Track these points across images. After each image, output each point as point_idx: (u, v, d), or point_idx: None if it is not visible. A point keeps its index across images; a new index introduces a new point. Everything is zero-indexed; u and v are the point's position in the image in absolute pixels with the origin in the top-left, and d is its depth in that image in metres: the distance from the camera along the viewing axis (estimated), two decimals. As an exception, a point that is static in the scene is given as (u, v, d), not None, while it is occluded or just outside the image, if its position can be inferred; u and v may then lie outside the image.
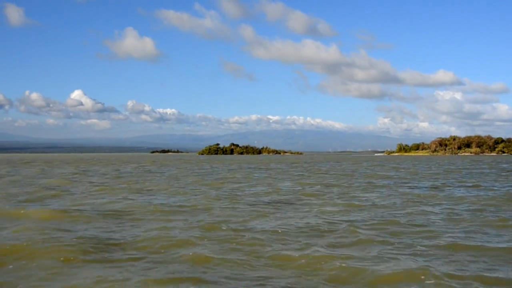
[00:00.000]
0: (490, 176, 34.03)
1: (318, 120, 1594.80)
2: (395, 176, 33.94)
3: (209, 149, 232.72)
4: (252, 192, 21.37)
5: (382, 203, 16.62)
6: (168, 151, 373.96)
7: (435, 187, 23.89)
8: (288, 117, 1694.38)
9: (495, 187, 23.95)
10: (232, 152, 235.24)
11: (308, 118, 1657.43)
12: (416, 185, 25.52)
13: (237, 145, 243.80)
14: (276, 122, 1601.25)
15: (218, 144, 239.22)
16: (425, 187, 23.88)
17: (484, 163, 69.41)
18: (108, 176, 35.53)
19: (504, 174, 36.43)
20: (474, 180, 28.82)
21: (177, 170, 45.84)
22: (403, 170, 45.67)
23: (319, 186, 24.54)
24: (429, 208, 15.04)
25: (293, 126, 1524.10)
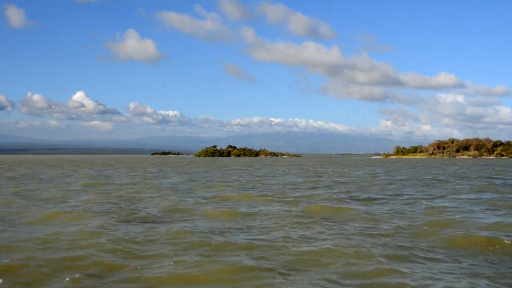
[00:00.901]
0: (416, 186, 32.39)
1: (320, 123, 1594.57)
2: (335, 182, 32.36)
3: (206, 151, 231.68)
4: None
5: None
6: (168, 153, 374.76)
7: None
8: (290, 119, 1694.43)
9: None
10: (229, 154, 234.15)
11: (310, 120, 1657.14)
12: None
13: (235, 147, 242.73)
14: (278, 124, 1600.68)
15: (215, 146, 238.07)
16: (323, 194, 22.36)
17: (459, 166, 67.69)
18: None
19: (433, 182, 31.32)
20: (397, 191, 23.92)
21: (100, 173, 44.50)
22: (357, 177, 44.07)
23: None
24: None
25: (295, 129, 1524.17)
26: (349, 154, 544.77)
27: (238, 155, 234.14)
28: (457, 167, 60.46)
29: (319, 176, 36.96)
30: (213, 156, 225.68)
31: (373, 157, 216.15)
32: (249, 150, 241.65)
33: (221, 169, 54.31)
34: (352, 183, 28.53)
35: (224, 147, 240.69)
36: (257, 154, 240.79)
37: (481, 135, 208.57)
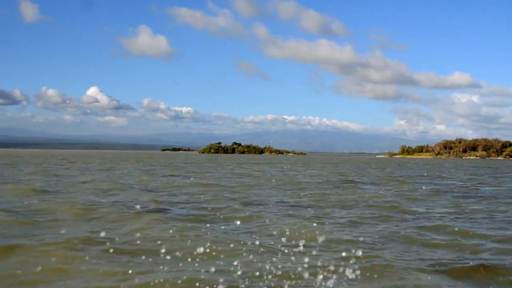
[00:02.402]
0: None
1: (334, 121, 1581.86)
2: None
3: (210, 147, 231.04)
4: None
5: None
6: (179, 149, 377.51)
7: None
8: (304, 117, 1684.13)
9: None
10: (233, 151, 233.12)
11: (324, 118, 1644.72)
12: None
13: (239, 144, 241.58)
14: (291, 122, 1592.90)
15: (219, 143, 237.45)
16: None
17: (431, 166, 65.18)
18: None
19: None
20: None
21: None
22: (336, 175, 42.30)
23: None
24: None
25: (308, 127, 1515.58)
26: (363, 153, 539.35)
27: (243, 152, 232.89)
28: (411, 169, 58.24)
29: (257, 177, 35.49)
30: (217, 152, 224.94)
31: (377, 156, 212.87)
32: (254, 147, 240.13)
33: (192, 165, 53.17)
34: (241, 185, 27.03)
35: (247, 144, 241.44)
36: (262, 151, 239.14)
37: (497, 136, 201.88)
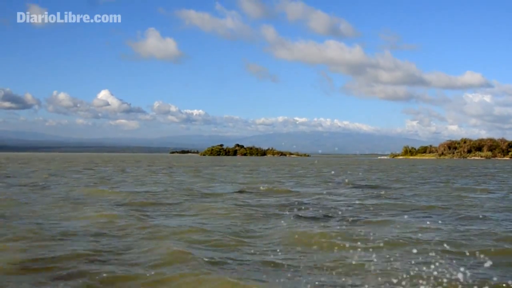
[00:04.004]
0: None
1: (345, 122, 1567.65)
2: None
3: (212, 149, 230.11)
4: None
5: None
6: (188, 151, 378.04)
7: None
8: (315, 119, 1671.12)
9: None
10: (235, 153, 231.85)
11: (335, 120, 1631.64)
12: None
13: (242, 146, 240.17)
14: (303, 124, 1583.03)
15: (221, 145, 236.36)
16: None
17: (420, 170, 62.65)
18: None
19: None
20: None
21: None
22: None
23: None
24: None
25: (320, 128, 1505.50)
26: (375, 154, 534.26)
27: (245, 154, 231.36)
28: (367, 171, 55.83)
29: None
30: (218, 155, 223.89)
31: (379, 157, 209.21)
32: (256, 149, 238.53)
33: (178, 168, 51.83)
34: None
35: (250, 146, 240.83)
36: (264, 153, 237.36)
37: (511, 136, 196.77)
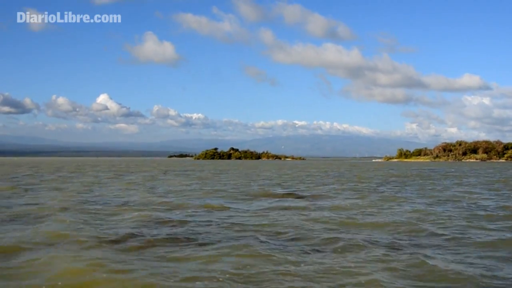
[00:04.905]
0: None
1: (345, 125, 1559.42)
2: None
3: (206, 153, 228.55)
4: None
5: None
6: (186, 155, 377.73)
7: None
8: (315, 122, 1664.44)
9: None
10: (229, 157, 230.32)
11: (335, 123, 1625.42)
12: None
13: (236, 150, 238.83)
14: (302, 127, 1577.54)
15: (216, 149, 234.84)
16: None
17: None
18: None
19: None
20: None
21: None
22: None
23: None
24: None
25: (319, 131, 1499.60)
26: (374, 157, 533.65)
27: (239, 158, 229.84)
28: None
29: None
30: (213, 158, 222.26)
31: (373, 160, 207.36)
32: (251, 152, 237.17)
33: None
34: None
35: (250, 149, 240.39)
36: (259, 156, 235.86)
37: (510, 139, 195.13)
